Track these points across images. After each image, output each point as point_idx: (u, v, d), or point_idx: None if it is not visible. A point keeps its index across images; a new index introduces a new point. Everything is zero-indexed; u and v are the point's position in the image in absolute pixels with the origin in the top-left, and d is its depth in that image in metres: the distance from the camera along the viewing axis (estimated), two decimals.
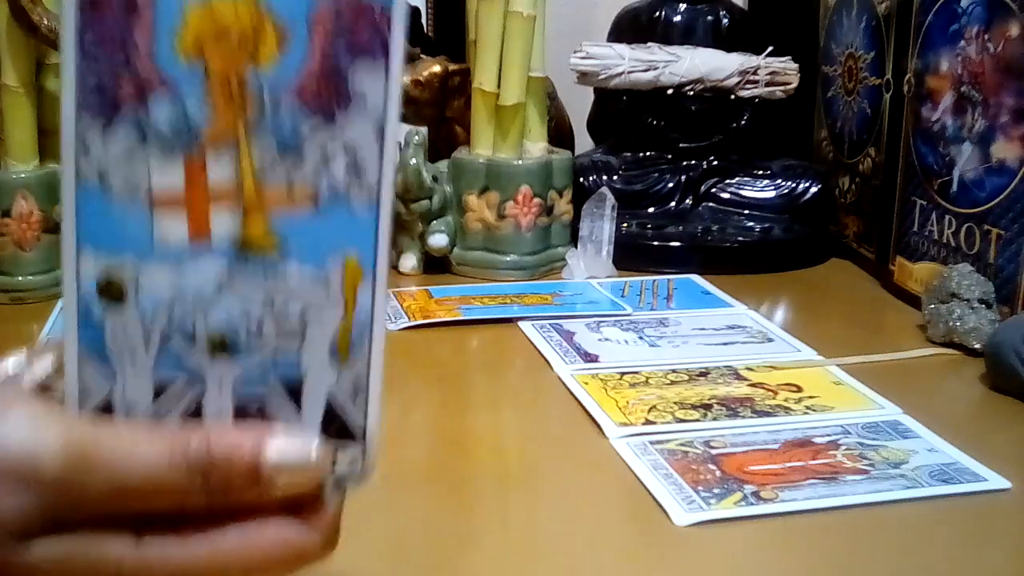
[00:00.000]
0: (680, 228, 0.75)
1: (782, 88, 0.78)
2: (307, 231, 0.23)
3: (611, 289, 0.66)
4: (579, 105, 0.89)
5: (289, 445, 0.24)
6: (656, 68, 0.76)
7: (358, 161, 0.23)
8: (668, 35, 0.81)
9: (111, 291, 0.24)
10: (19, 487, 0.23)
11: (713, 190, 0.79)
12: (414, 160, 0.67)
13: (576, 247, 0.71)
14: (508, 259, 0.70)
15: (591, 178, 0.77)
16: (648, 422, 0.44)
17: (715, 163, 0.79)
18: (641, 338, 0.56)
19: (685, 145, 0.80)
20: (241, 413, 0.24)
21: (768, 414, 0.45)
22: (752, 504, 0.37)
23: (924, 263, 0.64)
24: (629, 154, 0.80)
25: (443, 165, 0.71)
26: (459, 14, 0.83)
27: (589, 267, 0.69)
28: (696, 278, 0.70)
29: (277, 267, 0.23)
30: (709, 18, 0.81)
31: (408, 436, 0.44)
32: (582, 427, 0.44)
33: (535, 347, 0.55)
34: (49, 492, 0.23)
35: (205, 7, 0.22)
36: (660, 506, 0.37)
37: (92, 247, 0.23)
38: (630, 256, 0.71)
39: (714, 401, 0.47)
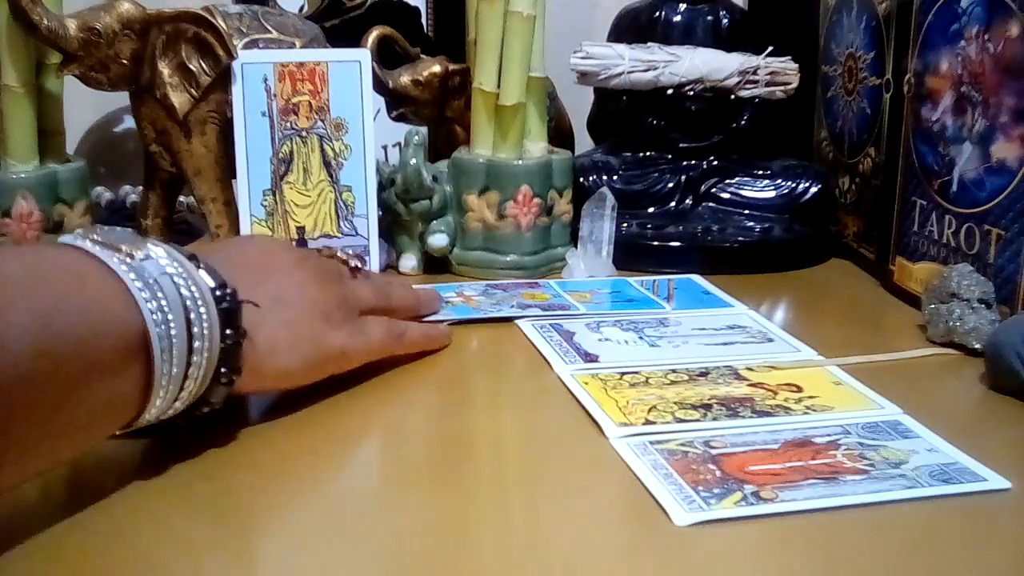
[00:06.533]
0: (680, 228, 0.75)
1: (782, 88, 0.78)
2: None
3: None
4: (579, 105, 0.89)
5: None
6: (656, 68, 0.76)
7: None
8: (668, 35, 0.81)
9: None
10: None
11: (713, 190, 0.79)
12: (414, 160, 0.67)
13: (576, 247, 0.71)
14: (508, 259, 0.70)
15: (591, 178, 0.77)
16: (648, 422, 0.44)
17: (715, 163, 0.79)
18: (641, 338, 0.56)
19: (685, 145, 0.80)
20: None
21: (768, 414, 0.45)
22: (752, 504, 0.37)
23: (924, 263, 0.64)
24: (629, 154, 0.80)
25: (443, 165, 0.71)
26: (459, 14, 0.83)
27: (589, 267, 0.69)
28: (696, 278, 0.70)
29: None
30: (709, 18, 0.81)
31: (408, 436, 0.44)
32: (582, 427, 0.44)
33: (535, 347, 0.55)
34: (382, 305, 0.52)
35: None
36: (660, 506, 0.37)
37: None
38: (630, 256, 0.71)
39: (714, 401, 0.47)
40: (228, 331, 0.39)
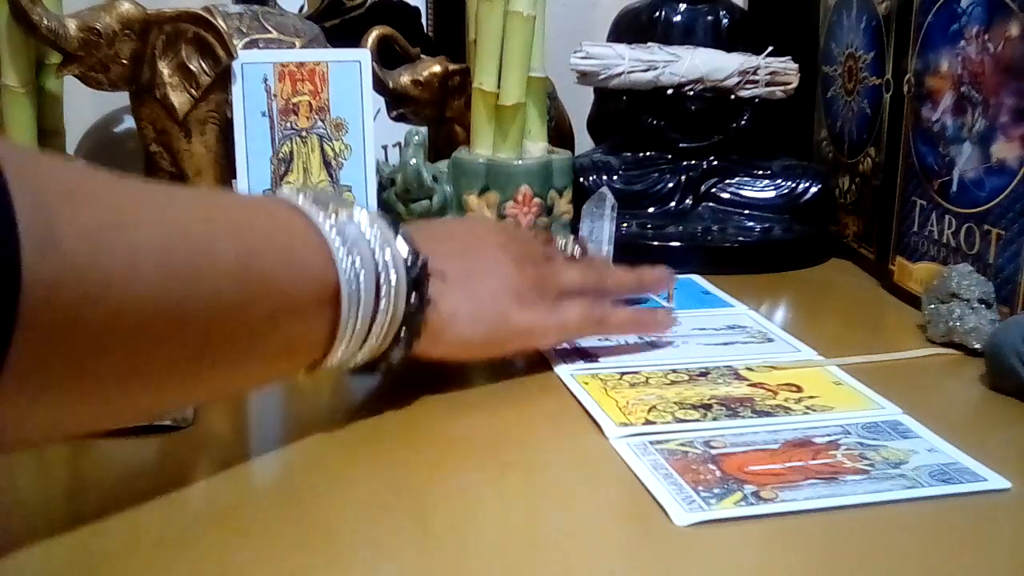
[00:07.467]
0: (680, 228, 0.75)
1: (782, 88, 0.78)
2: None
3: None
4: (579, 105, 0.89)
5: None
6: (656, 68, 0.76)
7: None
8: (668, 35, 0.81)
9: None
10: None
11: (713, 190, 0.79)
12: (414, 160, 0.67)
13: None
14: None
15: (591, 178, 0.77)
16: (648, 422, 0.44)
17: (715, 163, 0.79)
18: (641, 338, 0.56)
19: (685, 145, 0.80)
20: None
21: (768, 414, 0.45)
22: (752, 504, 0.37)
23: (924, 263, 0.64)
24: (629, 154, 0.80)
25: (443, 165, 0.71)
26: (459, 14, 0.83)
27: None
28: (696, 278, 0.70)
29: None
30: (709, 18, 0.81)
31: (407, 436, 0.44)
32: (582, 427, 0.44)
33: None
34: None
35: None
36: (660, 506, 0.37)
37: None
38: (630, 256, 0.71)
39: (714, 401, 0.47)
40: (413, 297, 0.42)
